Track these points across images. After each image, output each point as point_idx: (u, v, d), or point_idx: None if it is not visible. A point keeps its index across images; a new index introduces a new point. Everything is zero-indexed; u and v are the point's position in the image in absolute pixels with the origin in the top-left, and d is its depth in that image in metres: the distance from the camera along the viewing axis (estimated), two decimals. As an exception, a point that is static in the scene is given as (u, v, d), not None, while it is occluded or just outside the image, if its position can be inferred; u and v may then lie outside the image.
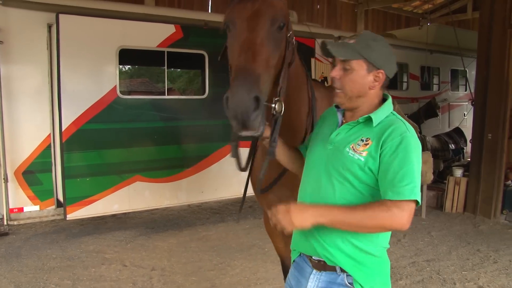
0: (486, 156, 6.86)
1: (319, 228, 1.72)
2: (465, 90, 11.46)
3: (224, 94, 1.68)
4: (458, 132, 9.89)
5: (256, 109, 1.66)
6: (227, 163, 6.07)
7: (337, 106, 1.93)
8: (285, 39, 2.00)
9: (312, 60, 7.35)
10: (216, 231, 6.06)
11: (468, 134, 8.55)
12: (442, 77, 11.21)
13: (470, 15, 14.78)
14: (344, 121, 1.88)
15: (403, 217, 1.60)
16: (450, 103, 11.48)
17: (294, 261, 2.00)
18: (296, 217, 1.61)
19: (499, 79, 6.65)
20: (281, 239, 3.00)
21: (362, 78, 1.76)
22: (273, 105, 1.87)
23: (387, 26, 16.46)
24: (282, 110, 1.89)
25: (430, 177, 6.72)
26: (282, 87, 1.96)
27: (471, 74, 10.03)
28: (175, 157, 5.93)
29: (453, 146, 9.44)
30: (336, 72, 1.78)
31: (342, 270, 1.78)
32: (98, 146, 5.41)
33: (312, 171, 1.88)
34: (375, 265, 1.81)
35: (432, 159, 6.79)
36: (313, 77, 7.25)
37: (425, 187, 6.86)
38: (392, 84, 9.70)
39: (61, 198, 5.40)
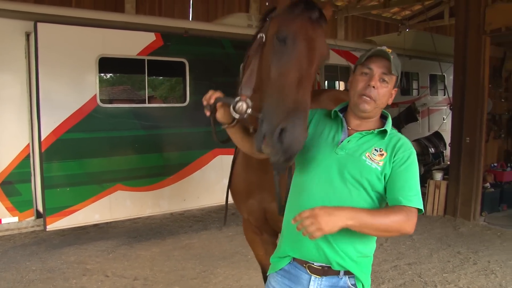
0: (465, 159, 6.98)
1: (332, 234, 1.75)
2: (444, 95, 11.65)
3: (278, 125, 1.68)
4: (437, 136, 10.04)
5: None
6: (209, 170, 6.08)
7: (341, 111, 2.00)
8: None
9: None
10: (199, 239, 6.03)
11: (448, 138, 8.69)
12: (421, 82, 11.37)
13: (447, 21, 15.05)
14: (349, 128, 1.94)
15: (414, 222, 1.76)
16: (430, 108, 11.64)
17: (281, 269, 1.98)
18: (326, 221, 1.61)
19: (475, 84, 6.79)
20: (261, 246, 3.01)
21: (389, 92, 1.90)
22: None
23: (367, 32, 16.66)
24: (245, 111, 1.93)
25: (411, 181, 6.80)
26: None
27: (450, 79, 10.21)
28: (157, 165, 5.91)
29: (433, 150, 9.58)
30: (376, 82, 1.84)
31: (345, 273, 1.86)
32: (78, 156, 5.35)
33: (321, 174, 1.89)
34: (368, 263, 1.95)
35: (412, 163, 6.87)
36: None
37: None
38: (372, 89, 9.89)
39: (40, 209, 5.32)
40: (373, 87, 1.83)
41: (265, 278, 3.09)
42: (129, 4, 10.45)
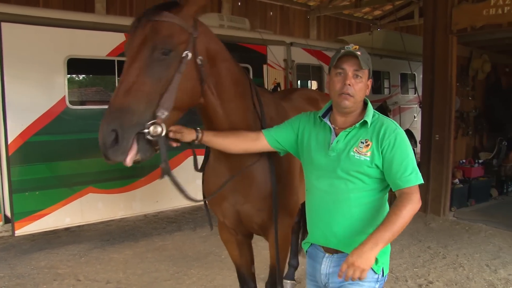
0: (434, 156, 7.12)
1: (339, 226, 2.09)
2: (415, 93, 11.86)
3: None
4: (408, 133, 10.16)
5: (115, 143, 1.88)
6: (182, 171, 6.02)
7: (324, 115, 2.22)
8: (177, 62, 2.05)
9: (265, 66, 7.43)
10: (173, 241, 6.00)
11: (419, 135, 8.85)
12: (392, 81, 11.55)
13: (417, 21, 15.32)
14: (335, 127, 2.15)
15: (418, 198, 1.96)
16: (401, 106, 11.83)
17: (307, 252, 2.32)
18: (361, 263, 1.81)
19: (444, 83, 6.94)
20: (236, 247, 3.03)
21: (365, 86, 2.09)
22: (146, 130, 1.94)
23: (339, 32, 16.83)
24: (161, 132, 1.97)
25: (382, 178, 6.91)
26: (160, 109, 1.98)
27: (420, 77, 10.40)
28: (128, 167, 5.83)
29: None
30: (351, 80, 2.03)
31: None
32: (47, 159, 5.25)
33: (321, 177, 2.13)
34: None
35: (383, 161, 6.97)
36: (265, 83, 7.32)
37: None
38: (343, 88, 9.96)
39: (8, 214, 5.19)
40: (349, 85, 2.02)
41: (239, 278, 3.11)
42: (100, 4, 10.31)
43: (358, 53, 2.02)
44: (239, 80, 2.44)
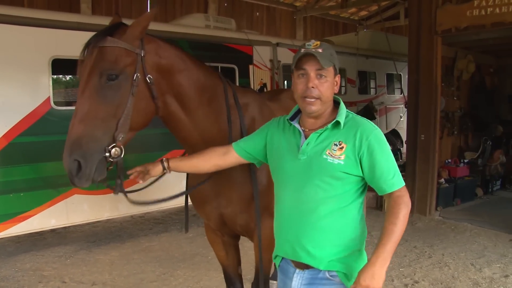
0: (420, 156, 7.18)
1: (307, 238, 1.91)
2: (401, 94, 11.96)
3: None
4: (394, 133, 10.31)
5: (79, 171, 1.98)
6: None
7: (292, 118, 2.07)
8: (128, 85, 2.10)
9: (251, 67, 7.42)
10: (159, 242, 5.98)
11: (405, 135, 8.91)
12: (378, 81, 11.63)
13: (403, 22, 15.42)
14: (305, 129, 1.99)
15: (409, 199, 1.87)
16: (387, 106, 11.91)
17: (279, 266, 2.11)
18: (377, 284, 1.76)
19: (429, 83, 7.00)
20: (222, 248, 3.04)
21: (332, 84, 1.93)
22: (107, 154, 2.04)
23: (325, 32, 16.91)
24: (120, 153, 2.08)
25: (369, 178, 6.95)
26: (119, 133, 2.07)
27: (406, 78, 10.48)
28: (114, 168, 5.80)
29: (390, 147, 9.80)
30: (313, 82, 1.88)
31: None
32: (32, 160, 5.19)
33: (290, 183, 1.97)
34: (356, 257, 1.96)
35: (370, 160, 7.01)
36: (251, 84, 7.32)
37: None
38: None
39: (-7, 215, 5.13)
40: (313, 87, 1.88)
41: (226, 278, 3.12)
42: (85, 4, 10.23)
43: (319, 50, 1.86)
44: (205, 86, 2.45)
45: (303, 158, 1.92)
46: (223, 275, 3.15)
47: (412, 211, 7.14)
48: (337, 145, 1.88)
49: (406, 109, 8.10)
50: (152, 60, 2.20)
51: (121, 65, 2.07)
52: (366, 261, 1.97)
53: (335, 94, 2.01)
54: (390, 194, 1.88)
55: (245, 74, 7.30)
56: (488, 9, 6.15)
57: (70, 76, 6.16)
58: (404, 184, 1.89)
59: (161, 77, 2.24)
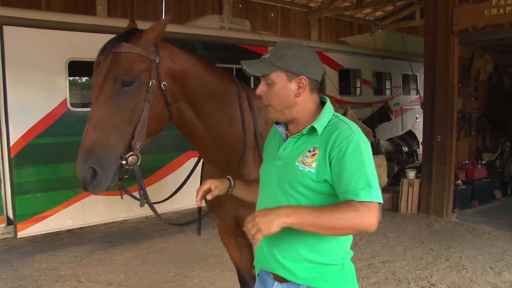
0: (437, 157, 7.11)
1: (278, 249, 1.76)
2: (416, 94, 11.84)
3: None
4: (410, 135, 10.21)
5: (93, 178, 1.96)
6: (183, 173, 5.97)
7: (277, 122, 1.91)
8: (143, 91, 2.09)
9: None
10: (174, 242, 6.00)
11: (421, 136, 8.82)
12: (394, 82, 11.53)
13: (419, 22, 15.29)
14: (288, 134, 1.86)
15: (371, 216, 1.56)
16: (403, 107, 11.81)
17: (258, 274, 1.99)
18: (262, 222, 1.52)
19: (445, 83, 6.92)
20: (236, 248, 3.03)
21: (284, 89, 1.73)
22: (124, 162, 2.02)
23: (340, 33, 16.81)
24: (137, 161, 2.07)
25: (385, 180, 6.92)
26: (136, 141, 2.06)
27: (421, 78, 10.38)
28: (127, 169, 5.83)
29: (406, 148, 9.73)
30: (260, 89, 1.78)
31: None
32: (49, 161, 5.25)
33: (266, 190, 1.87)
34: (338, 273, 1.79)
35: (386, 162, 6.98)
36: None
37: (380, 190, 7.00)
38: (345, 89, 9.92)
39: (11, 216, 5.20)
40: (260, 95, 1.80)
41: (240, 280, 3.11)
42: (101, 7, 10.31)
43: (267, 55, 1.74)
44: (218, 91, 2.44)
45: (279, 164, 1.80)
46: (237, 276, 3.15)
47: (428, 213, 7.10)
48: (310, 152, 1.70)
49: (422, 110, 8.02)
50: (166, 67, 2.20)
51: (136, 71, 2.06)
52: (349, 276, 1.83)
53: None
54: (357, 202, 1.58)
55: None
56: (507, 7, 6.05)
57: (86, 78, 6.23)
58: (374, 200, 1.58)
59: (174, 83, 2.24)
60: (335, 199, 1.68)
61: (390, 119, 10.40)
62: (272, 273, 1.85)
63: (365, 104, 10.40)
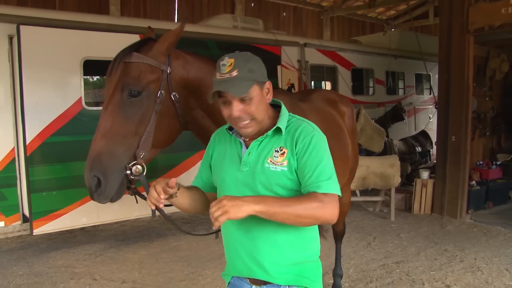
0: (451, 157, 7.04)
1: (260, 252, 1.75)
2: (430, 94, 11.76)
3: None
4: (424, 135, 10.13)
5: (98, 187, 2.00)
6: (195, 173, 6.04)
7: (230, 128, 1.88)
8: (151, 102, 2.10)
9: (279, 67, 7.41)
10: (187, 241, 6.01)
11: (434, 136, 8.76)
12: (407, 81, 11.46)
13: (432, 21, 15.17)
14: (246, 139, 1.82)
15: (334, 208, 1.63)
16: (416, 107, 11.74)
17: (229, 283, 1.94)
18: (231, 205, 1.50)
19: (460, 83, 6.85)
20: None
21: (261, 99, 1.74)
22: (128, 172, 2.04)
23: (352, 32, 16.74)
24: (142, 170, 2.08)
25: (398, 180, 6.86)
26: (140, 151, 2.08)
27: (435, 78, 10.30)
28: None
29: (419, 149, 9.66)
30: (238, 111, 1.69)
31: None
32: (64, 159, 5.31)
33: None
34: (315, 269, 1.85)
35: (399, 162, 6.93)
36: (279, 84, 7.31)
37: (393, 190, 6.99)
38: (358, 89, 9.87)
39: (27, 213, 5.27)
40: (239, 115, 1.70)
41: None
42: (114, 6, 10.37)
43: (234, 73, 1.65)
44: None
45: (246, 170, 1.77)
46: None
47: (442, 214, 7.04)
48: (278, 151, 1.73)
49: (435, 110, 7.96)
50: (179, 76, 2.19)
51: (144, 81, 2.07)
52: (321, 269, 1.89)
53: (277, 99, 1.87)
54: (320, 194, 1.64)
55: (273, 75, 7.30)
56: (525, 6, 5.98)
57: (101, 77, 6.27)
58: (334, 192, 1.67)
59: (189, 93, 2.23)
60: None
61: (403, 119, 10.34)
62: (248, 278, 1.83)
63: (378, 104, 10.36)
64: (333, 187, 1.67)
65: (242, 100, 1.68)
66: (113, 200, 2.08)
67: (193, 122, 2.31)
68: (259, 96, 1.73)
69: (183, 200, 1.86)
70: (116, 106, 2.05)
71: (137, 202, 2.27)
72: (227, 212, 1.49)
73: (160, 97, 2.11)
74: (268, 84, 1.78)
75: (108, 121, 2.05)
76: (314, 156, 1.68)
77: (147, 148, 2.09)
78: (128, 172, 2.04)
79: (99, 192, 2.02)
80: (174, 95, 2.16)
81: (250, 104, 1.70)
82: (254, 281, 1.82)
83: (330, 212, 1.63)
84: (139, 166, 2.06)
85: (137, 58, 2.08)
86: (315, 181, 1.65)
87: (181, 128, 2.26)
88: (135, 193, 2.17)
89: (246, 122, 1.72)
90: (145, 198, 2.12)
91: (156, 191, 1.67)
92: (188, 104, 2.24)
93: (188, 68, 2.26)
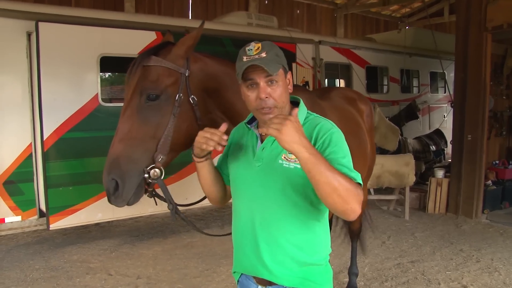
0: (467, 156, 6.97)
1: (266, 252, 1.72)
2: (444, 92, 11.65)
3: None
4: (438, 133, 10.05)
5: (116, 190, 1.99)
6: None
7: (249, 122, 1.87)
8: (169, 105, 2.09)
9: (294, 64, 7.39)
10: (201, 238, 6.03)
11: (448, 135, 8.69)
12: (421, 79, 11.37)
13: (447, 19, 15.05)
14: (262, 134, 1.79)
15: (361, 200, 1.55)
16: (430, 105, 11.64)
17: (238, 281, 1.94)
18: (288, 130, 1.44)
19: (477, 81, 6.78)
20: None
21: (285, 86, 1.72)
22: (146, 175, 2.04)
23: (366, 30, 16.66)
24: (160, 174, 2.07)
25: (412, 179, 6.81)
26: (158, 154, 2.07)
27: (450, 76, 10.20)
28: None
29: (434, 147, 9.58)
30: (265, 92, 1.66)
31: None
32: (81, 155, 5.35)
33: (246, 192, 1.79)
34: (322, 273, 1.80)
35: (413, 161, 6.88)
36: (294, 81, 7.29)
37: (407, 189, 6.95)
38: (372, 87, 9.81)
39: (43, 208, 5.31)
40: (266, 97, 1.66)
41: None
42: (129, 3, 10.43)
43: (263, 55, 1.64)
44: None
45: (258, 165, 1.74)
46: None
47: (457, 213, 6.98)
48: None
49: (450, 108, 7.88)
50: (198, 80, 2.19)
51: (163, 85, 2.07)
52: (330, 273, 1.83)
53: (290, 94, 1.81)
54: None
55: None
56: (545, 3, 5.90)
57: (117, 73, 6.30)
58: (360, 182, 1.60)
59: (208, 95, 2.23)
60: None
61: (417, 118, 10.26)
62: (254, 277, 1.82)
63: (392, 102, 10.29)
64: (358, 177, 1.61)
65: (270, 82, 1.66)
66: (130, 203, 2.07)
67: (211, 126, 2.29)
68: (284, 82, 1.71)
69: (211, 169, 1.84)
70: (134, 110, 2.06)
71: (156, 204, 2.29)
72: (280, 132, 1.44)
73: (178, 100, 2.11)
74: (289, 75, 1.77)
75: (126, 125, 2.05)
76: (336, 151, 1.62)
77: (165, 151, 2.09)
78: (146, 175, 2.04)
79: (117, 195, 2.02)
80: (192, 98, 2.15)
81: (276, 88, 1.67)
82: (260, 281, 1.80)
83: (359, 202, 1.54)
84: (157, 170, 2.06)
85: (156, 61, 2.09)
86: (347, 172, 1.58)
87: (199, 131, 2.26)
88: (153, 195, 2.17)
89: (270, 109, 1.67)
90: (164, 200, 2.17)
91: (216, 133, 1.65)
92: (207, 106, 2.24)
93: (207, 71, 2.25)
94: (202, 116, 2.22)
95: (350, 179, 1.54)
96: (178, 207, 2.24)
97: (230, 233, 2.06)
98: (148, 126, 2.06)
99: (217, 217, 7.10)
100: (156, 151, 2.07)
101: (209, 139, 1.65)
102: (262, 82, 1.65)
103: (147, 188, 2.11)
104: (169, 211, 2.21)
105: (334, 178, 1.47)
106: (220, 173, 1.96)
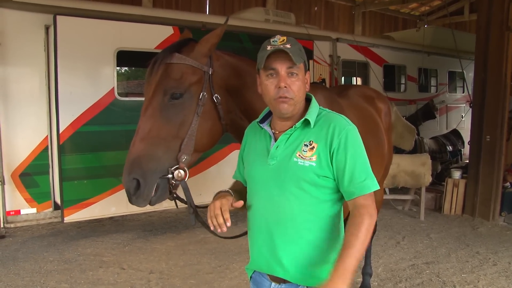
0: (485, 158, 6.85)
1: (282, 250, 1.72)
2: (463, 92, 11.48)
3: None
4: (455, 134, 9.90)
5: (137, 190, 1.93)
6: (226, 165, 6.05)
7: (262, 121, 1.87)
8: (193, 104, 2.04)
9: (311, 62, 7.33)
10: (214, 234, 6.03)
11: (466, 136, 8.56)
12: (439, 79, 11.23)
13: (467, 17, 14.82)
14: (275, 132, 1.80)
15: (374, 209, 1.64)
16: (448, 105, 11.50)
17: (251, 277, 1.94)
18: None
19: (497, 81, 6.65)
20: None
21: (304, 82, 1.73)
22: (170, 175, 1.97)
23: (384, 28, 16.49)
24: (185, 175, 2.00)
25: (429, 179, 6.72)
26: (182, 155, 2.00)
27: (469, 76, 10.04)
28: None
29: (450, 148, 9.45)
30: (287, 81, 1.67)
31: None
32: (96, 148, 5.37)
33: (261, 192, 1.78)
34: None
35: (430, 161, 6.78)
36: (311, 79, 7.24)
37: (423, 189, 6.86)
38: (390, 86, 9.71)
39: (58, 201, 5.36)
40: (285, 87, 1.67)
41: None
42: (146, -3, 10.45)
43: (288, 46, 1.65)
44: None
45: (273, 163, 1.73)
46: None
47: (473, 215, 6.87)
48: (307, 145, 1.68)
49: (468, 108, 7.75)
50: (220, 78, 2.15)
51: (187, 83, 2.02)
52: None
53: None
54: (354, 202, 1.65)
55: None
56: None
57: (134, 68, 6.32)
58: (377, 188, 1.66)
59: (229, 95, 2.19)
60: (336, 195, 1.72)
61: (434, 117, 10.13)
62: (268, 274, 1.81)
63: (410, 101, 10.17)
64: (375, 183, 1.66)
65: (290, 73, 1.68)
66: (152, 203, 2.01)
67: (231, 125, 2.25)
68: (303, 78, 1.72)
69: (238, 196, 1.85)
70: (156, 109, 2.00)
71: (177, 207, 2.23)
72: None
73: (202, 99, 2.06)
74: (308, 75, 1.78)
75: (147, 124, 1.99)
76: (352, 152, 1.65)
77: (189, 151, 2.02)
78: (170, 176, 1.98)
79: (138, 194, 1.95)
80: (216, 97, 2.11)
81: (295, 81, 1.68)
82: (274, 278, 1.79)
83: (373, 212, 1.63)
84: (181, 171, 1.99)
85: (179, 59, 2.03)
86: (358, 181, 1.64)
87: (223, 131, 2.21)
88: (175, 198, 2.11)
89: (287, 99, 1.68)
90: (184, 203, 2.12)
91: (223, 217, 1.68)
92: (228, 105, 2.20)
93: (229, 70, 2.22)
94: (224, 116, 2.18)
95: (361, 221, 1.61)
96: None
97: (246, 233, 2.04)
98: (171, 125, 2.00)
99: (231, 213, 7.04)
100: (180, 151, 2.01)
101: (213, 217, 1.71)
102: (283, 72, 1.67)
103: (171, 190, 2.04)
104: (182, 206, 2.17)
105: (362, 249, 1.59)
106: (241, 181, 1.99)
